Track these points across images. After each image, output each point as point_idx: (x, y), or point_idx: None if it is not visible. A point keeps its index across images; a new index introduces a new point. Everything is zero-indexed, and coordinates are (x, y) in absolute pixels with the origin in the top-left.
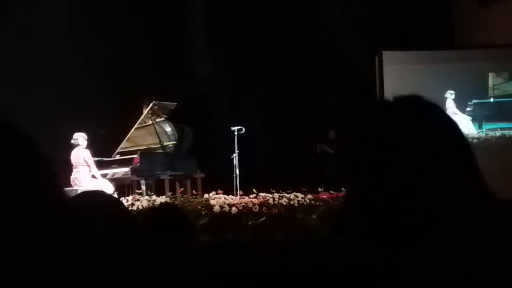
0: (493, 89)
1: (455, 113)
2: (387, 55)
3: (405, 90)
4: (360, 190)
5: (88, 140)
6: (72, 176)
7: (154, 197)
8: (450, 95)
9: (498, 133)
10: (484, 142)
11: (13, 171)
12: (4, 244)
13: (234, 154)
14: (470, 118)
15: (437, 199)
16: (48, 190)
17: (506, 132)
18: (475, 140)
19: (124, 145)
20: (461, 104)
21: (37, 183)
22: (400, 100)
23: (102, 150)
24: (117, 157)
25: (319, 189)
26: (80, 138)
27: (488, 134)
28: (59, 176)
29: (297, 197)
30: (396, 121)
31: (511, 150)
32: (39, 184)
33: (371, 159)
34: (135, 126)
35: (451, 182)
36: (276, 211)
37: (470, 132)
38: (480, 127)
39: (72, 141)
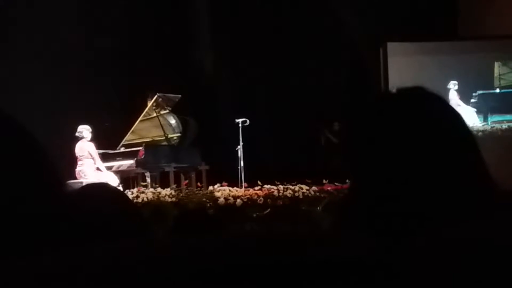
0: (499, 79)
1: (458, 105)
2: (391, 46)
3: (409, 81)
4: (364, 182)
5: (92, 132)
6: (77, 169)
7: (159, 189)
8: (453, 86)
9: (504, 126)
10: (490, 135)
11: (12, 165)
12: (8, 238)
13: (239, 146)
14: (475, 110)
15: (441, 192)
16: (48, 183)
17: None
18: (480, 133)
19: (128, 138)
20: (466, 96)
21: (37, 176)
22: (404, 92)
23: (107, 143)
24: (122, 149)
25: (324, 181)
26: (85, 130)
27: (493, 126)
28: (59, 168)
29: (302, 189)
30: (399, 113)
31: None
32: (39, 177)
33: (375, 150)
34: (140, 118)
35: (455, 175)
36: (281, 203)
37: (474, 124)
38: (485, 119)
39: (77, 134)
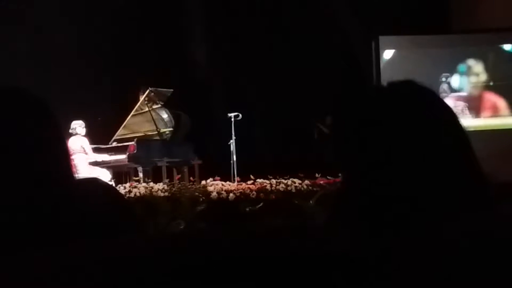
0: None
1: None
2: (383, 40)
3: (401, 75)
4: (356, 176)
5: (86, 128)
6: None
7: (151, 184)
8: (445, 79)
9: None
10: (481, 132)
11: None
12: None
13: (231, 141)
14: (466, 104)
15: (432, 185)
16: (39, 179)
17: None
18: (471, 129)
19: (120, 132)
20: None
21: (27, 172)
22: (395, 86)
23: (99, 138)
24: (114, 144)
25: (316, 175)
26: (78, 126)
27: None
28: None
29: (295, 182)
30: (391, 107)
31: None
32: (30, 174)
33: (366, 144)
34: (132, 113)
35: (446, 168)
36: (274, 197)
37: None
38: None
39: (70, 131)
